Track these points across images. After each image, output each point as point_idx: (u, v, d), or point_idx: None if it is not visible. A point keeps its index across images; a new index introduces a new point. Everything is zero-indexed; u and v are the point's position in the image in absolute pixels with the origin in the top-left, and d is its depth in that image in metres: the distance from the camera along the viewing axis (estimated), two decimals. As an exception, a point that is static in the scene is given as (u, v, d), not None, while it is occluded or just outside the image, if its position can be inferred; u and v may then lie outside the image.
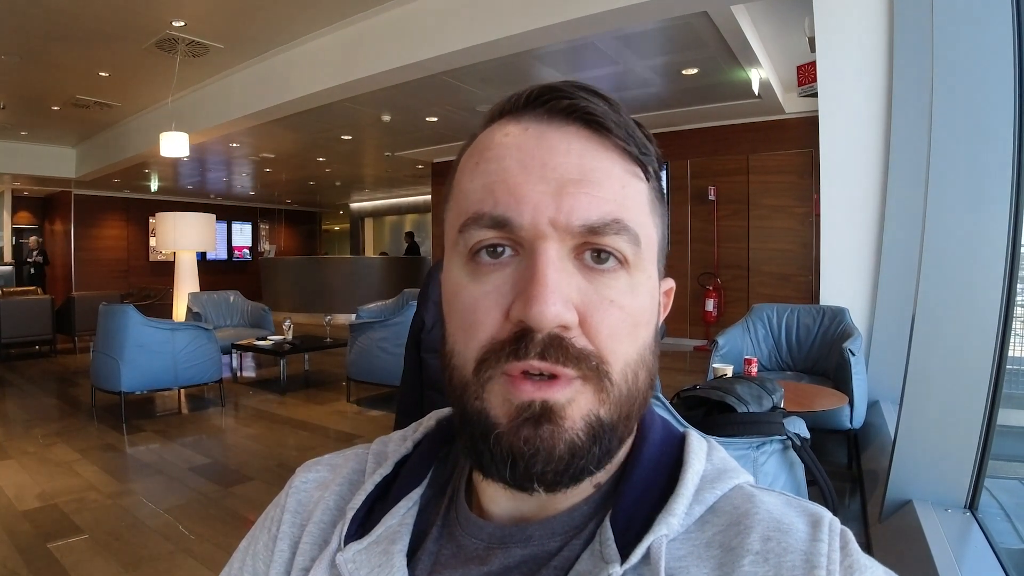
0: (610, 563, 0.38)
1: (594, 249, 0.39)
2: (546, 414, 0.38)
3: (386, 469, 0.50)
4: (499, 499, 0.45)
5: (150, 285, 11.83)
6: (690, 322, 8.40)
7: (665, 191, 0.45)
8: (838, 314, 3.91)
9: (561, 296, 0.38)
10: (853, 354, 3.35)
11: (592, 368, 0.39)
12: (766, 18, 5.29)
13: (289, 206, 18.86)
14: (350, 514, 0.47)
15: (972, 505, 2.00)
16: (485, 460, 0.40)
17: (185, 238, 7.98)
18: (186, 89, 7.48)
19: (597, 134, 0.41)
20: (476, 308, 0.40)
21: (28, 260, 12.42)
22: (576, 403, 0.38)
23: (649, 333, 0.42)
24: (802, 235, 7.65)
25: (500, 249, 0.40)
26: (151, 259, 15.43)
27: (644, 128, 0.43)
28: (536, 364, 0.38)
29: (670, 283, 0.48)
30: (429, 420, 0.54)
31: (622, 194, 0.40)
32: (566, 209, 0.38)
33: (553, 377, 0.38)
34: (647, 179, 0.42)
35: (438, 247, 12.09)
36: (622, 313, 0.40)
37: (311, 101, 6.53)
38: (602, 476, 0.43)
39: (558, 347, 0.38)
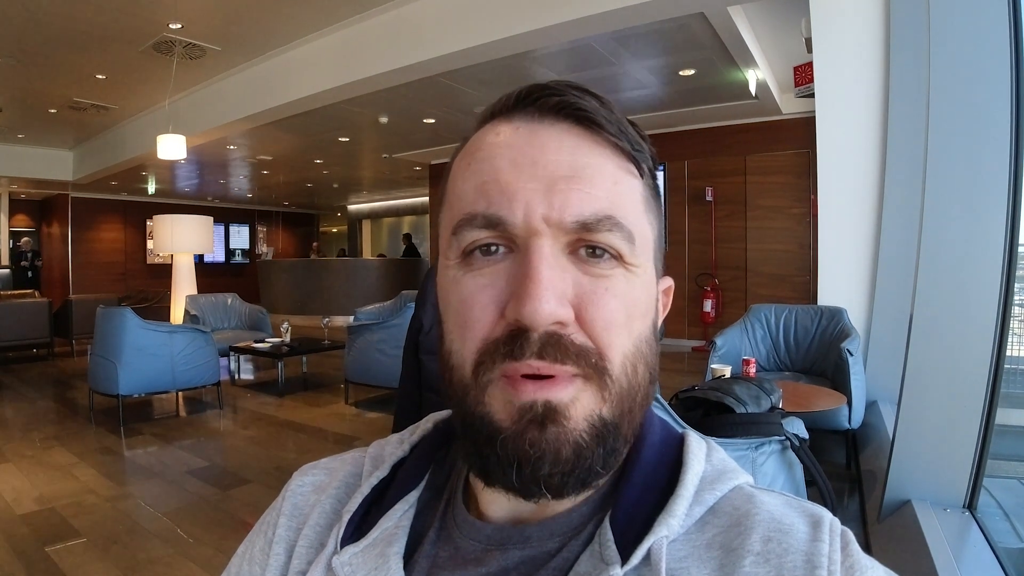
0: (610, 564, 0.38)
1: (588, 245, 0.39)
2: (549, 414, 0.38)
3: (383, 472, 0.50)
4: (497, 501, 0.44)
5: (148, 288, 11.81)
6: (688, 323, 8.41)
7: (660, 189, 0.45)
8: (836, 314, 3.92)
9: (555, 293, 0.37)
10: (851, 354, 3.35)
11: (592, 365, 0.38)
12: (763, 19, 5.30)
13: (287, 208, 18.85)
14: (346, 517, 0.47)
15: (971, 505, 2.00)
16: (491, 466, 0.39)
17: (183, 241, 7.97)
18: (183, 91, 7.48)
19: (588, 131, 0.40)
20: (472, 305, 0.40)
21: (23, 263, 12.37)
22: (579, 402, 0.38)
23: (646, 326, 0.42)
24: (799, 235, 7.66)
25: (494, 248, 0.40)
26: (149, 262, 15.41)
27: (638, 127, 0.43)
28: (534, 364, 0.37)
29: (668, 282, 0.47)
30: (426, 423, 0.54)
31: (615, 191, 0.40)
32: (558, 206, 0.38)
33: (552, 376, 0.38)
34: (640, 176, 0.42)
35: (436, 249, 12.07)
36: (617, 303, 0.39)
37: (308, 103, 6.53)
38: (613, 469, 0.43)
39: (555, 345, 0.37)
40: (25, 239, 13.15)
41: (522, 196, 0.38)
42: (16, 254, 12.19)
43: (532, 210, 0.38)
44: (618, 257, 0.40)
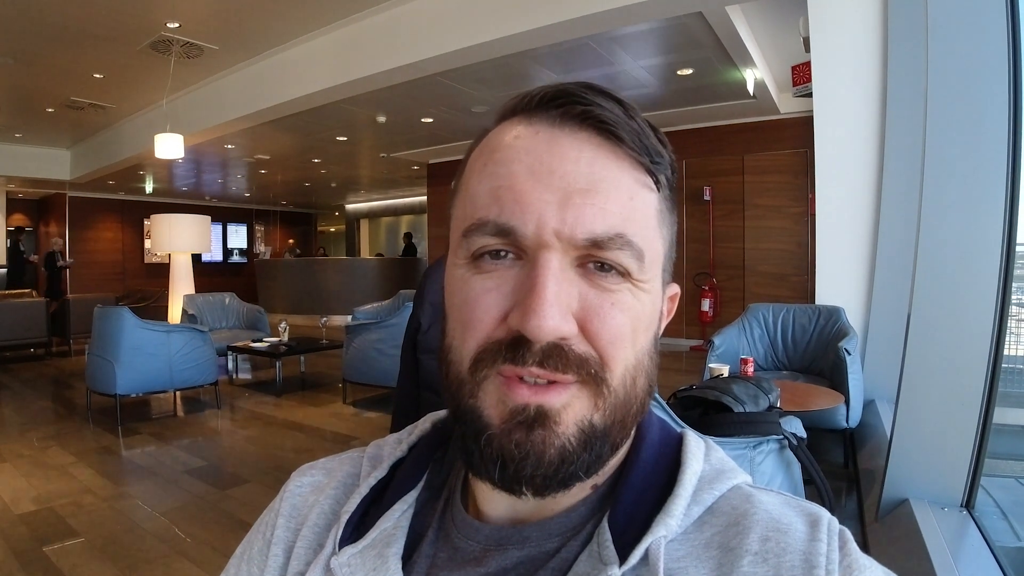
0: (609, 564, 0.38)
1: (596, 261, 0.39)
2: (540, 419, 0.38)
3: (381, 472, 0.50)
4: (495, 500, 0.44)
5: (145, 287, 11.80)
6: (686, 322, 8.41)
7: (674, 201, 0.45)
8: (834, 313, 3.92)
9: (560, 309, 0.37)
10: (849, 353, 3.35)
11: (590, 374, 0.38)
12: (761, 18, 5.30)
13: (285, 207, 18.83)
14: (344, 517, 0.47)
15: (968, 503, 2.01)
16: (475, 460, 0.40)
17: (180, 240, 7.96)
18: (181, 91, 7.46)
19: (609, 141, 0.40)
20: (476, 305, 0.40)
21: (58, 263, 11.77)
22: (571, 408, 0.38)
23: (648, 339, 0.42)
24: (798, 235, 7.67)
25: (503, 253, 0.40)
26: (146, 261, 15.39)
27: (658, 132, 0.42)
28: (535, 371, 0.38)
29: (674, 289, 0.47)
30: (424, 423, 0.54)
31: (629, 207, 0.40)
32: (571, 220, 0.38)
33: (551, 383, 0.38)
34: (657, 189, 0.42)
35: (435, 248, 12.08)
36: (623, 317, 0.39)
37: (306, 102, 6.52)
38: (599, 477, 0.43)
39: (557, 355, 0.38)
40: (55, 239, 12.52)
41: (536, 207, 0.38)
42: (48, 256, 11.58)
43: (544, 223, 0.38)
44: (626, 274, 0.40)
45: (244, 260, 17.59)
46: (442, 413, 0.53)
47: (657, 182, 0.42)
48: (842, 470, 3.44)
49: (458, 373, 0.41)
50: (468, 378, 0.40)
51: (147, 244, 15.07)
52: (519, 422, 0.38)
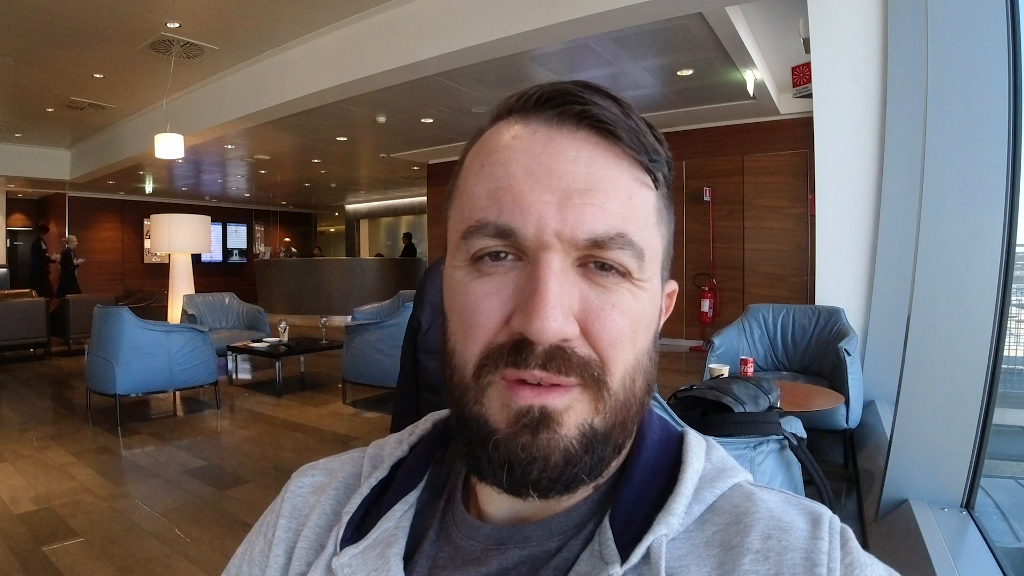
0: (610, 563, 0.38)
1: (597, 261, 0.39)
2: (544, 420, 0.38)
3: (382, 472, 0.50)
4: (496, 500, 0.44)
5: (145, 287, 11.77)
6: (686, 323, 8.41)
7: (671, 198, 0.45)
8: (833, 314, 3.92)
9: (562, 310, 0.37)
10: (849, 354, 3.35)
11: (592, 377, 0.38)
12: (761, 19, 5.30)
13: (284, 208, 18.84)
14: (346, 518, 0.47)
15: (968, 504, 2.01)
16: (482, 464, 0.40)
17: (180, 240, 7.95)
18: (181, 91, 7.47)
19: (606, 140, 0.40)
20: (477, 309, 0.40)
21: (76, 261, 11.60)
22: (573, 410, 0.38)
23: (648, 339, 0.42)
24: (797, 236, 7.67)
25: (503, 255, 0.39)
26: (146, 261, 15.41)
27: (655, 130, 0.42)
28: (537, 374, 0.37)
29: (672, 285, 0.47)
30: (425, 423, 0.54)
31: (628, 206, 0.39)
32: (571, 221, 0.38)
33: (553, 385, 0.38)
34: (655, 187, 0.42)
35: (435, 248, 12.09)
36: (623, 319, 0.39)
37: (306, 102, 6.52)
38: (601, 477, 0.43)
39: (560, 358, 0.37)
40: (70, 237, 12.24)
41: (535, 209, 0.38)
42: (64, 254, 11.45)
43: (545, 224, 0.38)
44: (626, 274, 0.39)
45: (244, 260, 17.60)
46: (442, 413, 0.53)
47: (655, 180, 0.42)
48: (842, 470, 3.44)
49: (462, 378, 0.40)
50: (472, 384, 0.40)
51: (147, 244, 15.09)
52: (524, 425, 0.38)
